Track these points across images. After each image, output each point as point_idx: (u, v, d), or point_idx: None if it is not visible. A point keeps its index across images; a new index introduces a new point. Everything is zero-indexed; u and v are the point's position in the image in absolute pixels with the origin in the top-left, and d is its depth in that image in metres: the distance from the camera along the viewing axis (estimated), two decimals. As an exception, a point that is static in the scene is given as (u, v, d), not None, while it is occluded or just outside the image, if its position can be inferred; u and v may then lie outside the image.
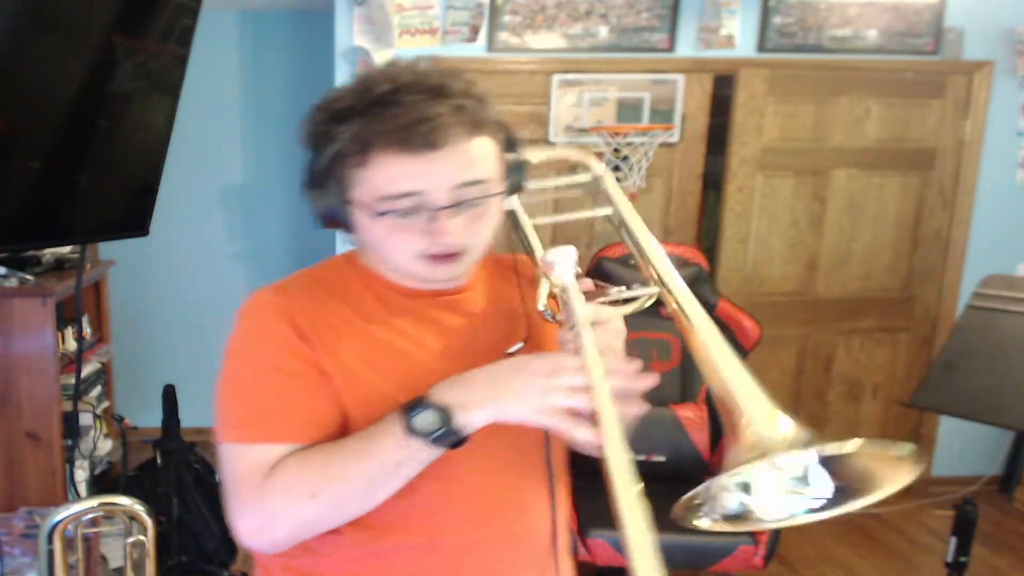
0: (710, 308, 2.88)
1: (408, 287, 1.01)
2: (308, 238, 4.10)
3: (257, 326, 1.00)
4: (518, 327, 1.05)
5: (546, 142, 3.42)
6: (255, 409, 0.96)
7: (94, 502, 1.61)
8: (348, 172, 0.92)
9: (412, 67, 0.96)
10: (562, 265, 0.98)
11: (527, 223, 1.24)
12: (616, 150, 3.32)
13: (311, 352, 0.95)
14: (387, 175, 0.90)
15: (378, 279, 1.02)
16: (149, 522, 1.59)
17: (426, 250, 0.93)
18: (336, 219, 0.97)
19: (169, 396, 2.86)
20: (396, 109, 0.89)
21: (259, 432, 0.94)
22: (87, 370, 3.09)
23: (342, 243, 3.22)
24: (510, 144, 1.06)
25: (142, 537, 1.63)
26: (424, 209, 0.91)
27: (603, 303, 1.06)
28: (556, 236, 3.54)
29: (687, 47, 3.35)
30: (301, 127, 0.97)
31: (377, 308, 1.00)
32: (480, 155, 0.95)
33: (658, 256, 1.15)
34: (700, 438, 2.72)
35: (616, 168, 3.34)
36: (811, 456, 0.84)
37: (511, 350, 0.99)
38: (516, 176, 1.07)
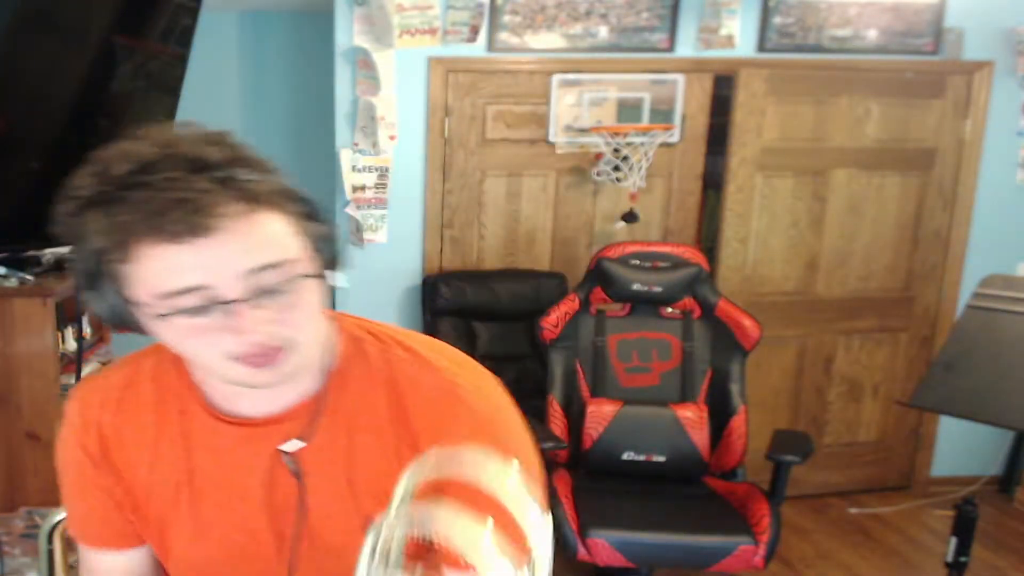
0: (710, 308, 2.88)
1: (226, 411, 0.90)
2: (308, 238, 4.10)
3: (62, 439, 0.96)
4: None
5: (546, 142, 3.43)
6: (73, 514, 1.00)
7: (94, 502, 1.61)
8: (114, 269, 0.78)
9: (160, 137, 0.82)
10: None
11: None
12: (616, 150, 3.32)
13: (106, 478, 0.92)
14: (155, 270, 0.76)
15: (194, 392, 0.91)
16: (149, 522, 1.58)
17: (234, 351, 0.78)
18: (124, 321, 0.83)
19: (169, 396, 2.86)
20: (143, 192, 0.74)
21: (81, 536, 1.00)
22: (87, 370, 3.09)
23: (342, 244, 3.21)
24: (311, 214, 0.86)
25: (142, 537, 1.62)
26: (216, 304, 0.76)
27: None
28: (556, 236, 3.54)
29: (687, 47, 3.35)
30: (54, 219, 0.82)
31: (190, 433, 0.91)
32: (269, 234, 0.78)
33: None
34: (700, 438, 2.72)
35: (616, 168, 3.34)
36: None
37: (286, 446, 0.89)
38: (329, 250, 0.87)
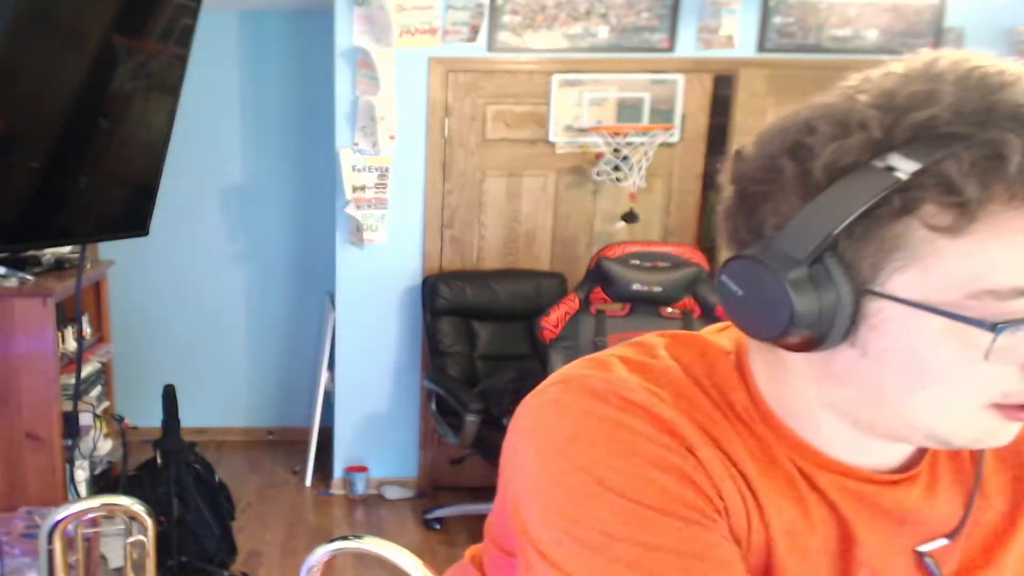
0: (710, 308, 2.88)
1: (833, 459, 0.63)
2: (308, 238, 4.10)
3: (620, 443, 0.60)
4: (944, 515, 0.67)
5: (546, 142, 3.43)
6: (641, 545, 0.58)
7: (94, 502, 1.61)
8: (898, 241, 0.53)
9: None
10: None
11: None
12: (616, 150, 3.32)
13: (711, 503, 0.60)
14: (1016, 253, 0.50)
15: (783, 428, 0.64)
16: (149, 522, 1.59)
17: (1015, 394, 0.54)
18: (820, 328, 0.55)
19: (169, 396, 2.86)
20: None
21: None
22: (87, 370, 3.09)
23: (342, 245, 3.22)
24: None
25: (142, 537, 1.62)
26: None
27: None
28: (556, 236, 3.54)
29: (687, 47, 3.35)
30: (769, 148, 0.58)
31: (785, 478, 0.63)
32: None
33: None
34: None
35: (616, 168, 3.34)
36: None
37: (926, 547, 0.65)
38: None
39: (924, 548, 0.65)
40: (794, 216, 0.55)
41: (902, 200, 0.52)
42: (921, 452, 0.66)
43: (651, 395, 0.62)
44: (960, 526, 0.65)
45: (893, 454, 0.65)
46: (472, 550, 0.87)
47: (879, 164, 0.52)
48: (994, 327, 0.50)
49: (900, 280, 0.53)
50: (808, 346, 0.56)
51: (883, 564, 0.65)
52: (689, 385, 0.64)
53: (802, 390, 0.62)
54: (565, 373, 0.66)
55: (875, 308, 0.54)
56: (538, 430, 0.63)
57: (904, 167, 0.51)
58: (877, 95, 0.55)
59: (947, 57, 0.54)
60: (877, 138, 0.53)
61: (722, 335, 0.70)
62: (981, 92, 0.52)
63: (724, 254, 0.63)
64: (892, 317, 0.54)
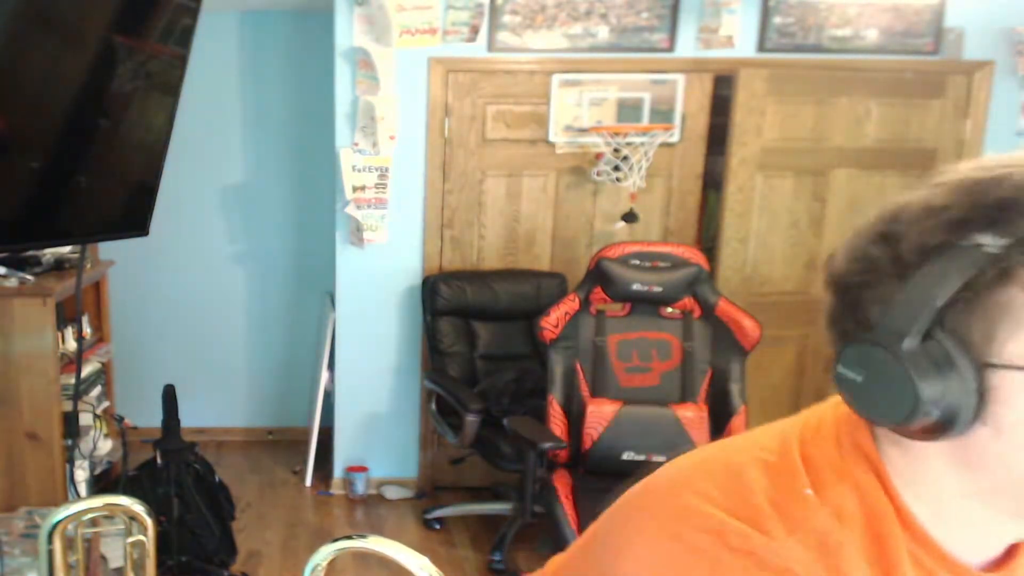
0: (710, 308, 2.88)
1: (962, 558, 0.61)
2: (308, 238, 4.10)
3: None
4: None
5: (546, 142, 3.43)
6: None
7: (95, 502, 1.61)
8: (1003, 310, 0.53)
9: None
10: None
11: None
12: (616, 150, 3.32)
13: None
14: None
15: (925, 537, 0.60)
16: (149, 522, 1.59)
17: None
18: (950, 406, 0.54)
19: (169, 396, 2.86)
20: None
21: None
22: (87, 370, 3.09)
23: (342, 245, 3.23)
24: None
25: (142, 537, 1.62)
26: None
27: None
28: (556, 236, 3.55)
29: (687, 47, 3.35)
30: (857, 242, 0.61)
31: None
32: None
33: None
34: (700, 438, 2.72)
35: (616, 168, 3.34)
36: None
37: None
38: None
39: None
40: (896, 295, 0.56)
41: (997, 270, 0.53)
42: None
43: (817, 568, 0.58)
44: None
45: (1010, 539, 0.63)
46: None
47: (965, 244, 0.54)
48: None
49: (1013, 348, 0.53)
50: (940, 430, 0.55)
51: None
52: (837, 530, 0.60)
53: (941, 483, 0.59)
54: (719, 523, 0.60)
55: (998, 381, 0.53)
56: (638, 545, 0.62)
57: (991, 242, 0.53)
58: (954, 183, 0.57)
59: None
60: (959, 217, 0.55)
61: (836, 429, 0.66)
62: None
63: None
64: (1018, 387, 0.53)
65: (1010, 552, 0.63)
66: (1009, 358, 0.53)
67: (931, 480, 0.59)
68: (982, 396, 0.53)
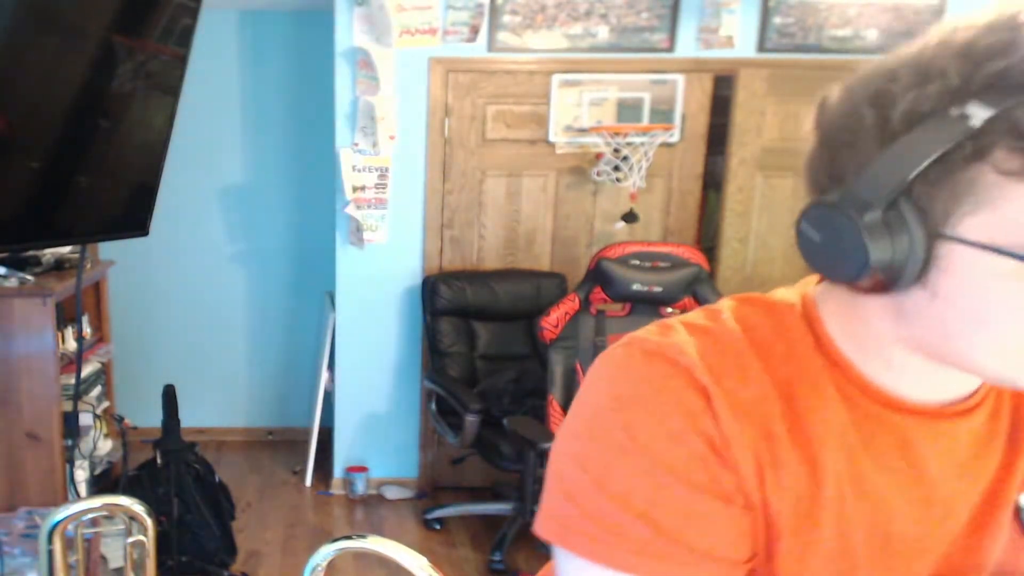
0: (710, 308, 2.89)
1: (901, 397, 0.65)
2: (308, 239, 4.10)
3: (660, 403, 0.63)
4: None
5: (546, 142, 3.43)
6: (660, 533, 0.61)
7: (95, 502, 1.61)
8: (969, 185, 0.55)
9: None
10: None
11: None
12: (616, 150, 3.32)
13: (731, 476, 0.62)
14: None
15: (851, 369, 0.65)
16: (149, 522, 1.59)
17: None
18: (894, 270, 0.58)
19: (169, 396, 2.86)
20: None
21: (660, 556, 0.62)
22: (87, 370, 3.10)
23: (342, 245, 3.22)
24: None
25: (142, 537, 1.62)
26: None
27: None
28: (556, 236, 3.55)
29: (687, 47, 3.35)
30: (853, 96, 0.62)
31: (847, 425, 0.65)
32: None
33: None
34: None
35: (616, 168, 3.34)
36: None
37: None
38: None
39: (1023, 500, 0.68)
40: (871, 163, 0.57)
41: (974, 146, 0.53)
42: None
43: (700, 359, 0.64)
44: None
45: (961, 387, 0.67)
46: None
47: (955, 112, 0.54)
48: None
49: (970, 223, 0.55)
50: (882, 288, 0.59)
51: (961, 502, 0.67)
52: (745, 351, 0.65)
53: (875, 328, 0.64)
54: (630, 336, 0.68)
55: (946, 251, 0.56)
56: (591, 384, 0.68)
57: (978, 114, 0.53)
58: (959, 44, 0.56)
59: None
60: (955, 86, 0.55)
61: (788, 291, 0.72)
62: None
63: (803, 201, 0.66)
64: (962, 259, 0.55)
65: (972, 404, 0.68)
66: (962, 232, 0.55)
67: (863, 320, 0.64)
68: (927, 263, 0.57)
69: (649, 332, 0.67)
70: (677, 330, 0.67)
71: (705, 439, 0.62)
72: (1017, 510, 0.68)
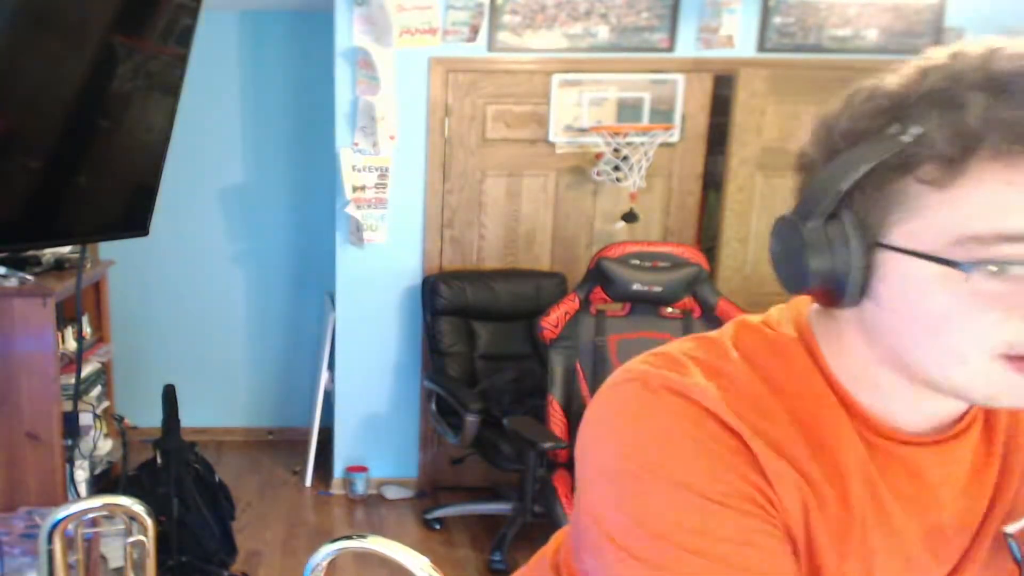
0: (710, 308, 2.88)
1: (899, 427, 0.66)
2: (308, 239, 4.10)
3: (695, 441, 0.63)
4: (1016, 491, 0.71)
5: (546, 142, 3.43)
6: (717, 564, 0.60)
7: (95, 502, 1.61)
8: (897, 196, 0.58)
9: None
10: None
11: None
12: (616, 150, 3.32)
13: (775, 511, 0.63)
14: (996, 201, 0.54)
15: (855, 405, 0.66)
16: (149, 522, 1.59)
17: (1017, 344, 0.55)
18: (836, 279, 0.60)
19: (169, 396, 2.86)
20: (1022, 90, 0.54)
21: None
22: (87, 370, 3.09)
23: (342, 245, 3.22)
24: None
25: (142, 537, 1.62)
26: None
27: None
28: (556, 236, 3.55)
29: (687, 47, 3.35)
30: (816, 126, 0.65)
31: (865, 458, 0.65)
32: None
33: None
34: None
35: (616, 168, 3.34)
36: None
37: (1014, 527, 0.69)
38: None
39: (1009, 529, 0.69)
40: (816, 177, 0.62)
41: (901, 159, 0.57)
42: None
43: (726, 404, 0.64)
44: None
45: (950, 409, 0.67)
46: (550, 556, 0.87)
47: (892, 131, 0.58)
48: (967, 268, 0.54)
49: (899, 232, 0.58)
50: (831, 299, 0.62)
51: (968, 519, 0.69)
52: (764, 394, 0.66)
53: (857, 352, 0.65)
54: (642, 371, 0.67)
55: (881, 260, 0.59)
56: (609, 423, 0.67)
57: (912, 131, 0.57)
58: (905, 72, 0.60)
59: (979, 40, 0.60)
60: (886, 106, 0.59)
61: (783, 320, 0.72)
62: (983, 63, 0.56)
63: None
64: (896, 267, 0.58)
65: (962, 427, 0.69)
66: (893, 241, 0.58)
67: (848, 347, 0.66)
68: (867, 272, 0.59)
69: (662, 367, 0.67)
70: (692, 370, 0.66)
71: (744, 475, 0.62)
72: (1003, 537, 0.69)
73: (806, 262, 0.60)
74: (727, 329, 0.73)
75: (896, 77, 0.60)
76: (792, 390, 0.66)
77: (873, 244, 0.59)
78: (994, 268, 0.54)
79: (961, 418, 0.68)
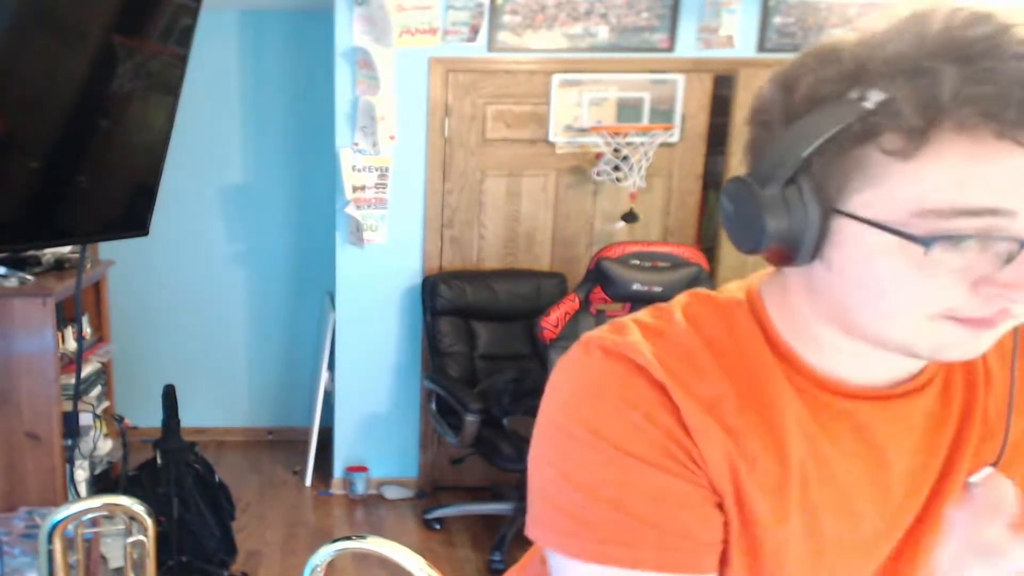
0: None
1: (842, 380, 0.67)
2: (308, 238, 4.10)
3: (621, 399, 0.65)
4: (982, 441, 0.71)
5: (546, 142, 3.43)
6: (631, 518, 0.63)
7: (95, 502, 1.61)
8: (858, 164, 0.57)
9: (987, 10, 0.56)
10: None
11: None
12: (616, 150, 3.32)
13: (697, 467, 0.64)
14: (957, 175, 0.54)
15: (797, 361, 0.67)
16: (149, 522, 1.59)
17: (959, 309, 0.57)
18: (791, 242, 0.61)
19: (169, 396, 2.86)
20: (994, 64, 0.52)
21: (633, 553, 0.63)
22: (87, 370, 3.09)
23: (342, 245, 3.22)
24: None
25: (142, 537, 1.62)
26: (999, 241, 0.54)
27: None
28: (556, 236, 3.55)
29: (687, 47, 3.35)
30: (773, 82, 0.64)
31: (804, 415, 0.66)
32: None
33: None
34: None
35: (616, 168, 3.34)
36: None
37: (976, 477, 0.70)
38: None
39: (973, 479, 0.70)
40: (775, 141, 0.61)
41: (864, 127, 0.56)
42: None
43: (658, 361, 0.65)
44: (1001, 451, 0.70)
45: (901, 367, 0.68)
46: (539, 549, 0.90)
47: (853, 95, 0.57)
48: (927, 242, 0.54)
49: (858, 200, 0.58)
50: (783, 259, 0.63)
51: (920, 478, 0.70)
52: (700, 352, 0.67)
53: (800, 309, 0.67)
54: (587, 336, 0.70)
55: (838, 226, 0.59)
56: (554, 385, 0.70)
57: (873, 98, 0.56)
58: (864, 31, 0.60)
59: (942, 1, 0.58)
60: (850, 70, 0.58)
61: (736, 289, 0.75)
62: (947, 27, 0.55)
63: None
64: (852, 234, 0.59)
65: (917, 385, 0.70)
66: (851, 208, 0.58)
67: (793, 305, 0.67)
68: (822, 236, 0.60)
69: (604, 331, 0.69)
70: (631, 330, 0.69)
71: (667, 430, 0.64)
72: (968, 488, 0.70)
73: (761, 226, 0.61)
74: (681, 298, 0.74)
75: (856, 35, 0.60)
76: (731, 349, 0.68)
77: (831, 210, 0.59)
78: (951, 242, 0.54)
79: (919, 375, 0.69)
